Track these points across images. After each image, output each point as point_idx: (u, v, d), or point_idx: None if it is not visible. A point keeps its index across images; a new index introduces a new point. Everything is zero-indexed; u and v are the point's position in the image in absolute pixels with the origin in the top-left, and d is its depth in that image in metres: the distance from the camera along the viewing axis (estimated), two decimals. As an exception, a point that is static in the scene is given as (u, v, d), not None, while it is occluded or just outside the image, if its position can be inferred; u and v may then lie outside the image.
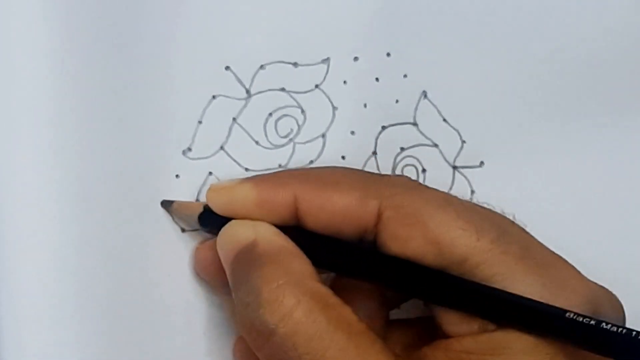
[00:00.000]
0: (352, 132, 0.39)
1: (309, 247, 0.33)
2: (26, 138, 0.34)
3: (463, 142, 0.40)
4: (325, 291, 0.32)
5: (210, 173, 0.37)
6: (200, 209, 0.36)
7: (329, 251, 0.34)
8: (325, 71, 0.38)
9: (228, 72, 0.37)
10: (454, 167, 0.40)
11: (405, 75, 0.39)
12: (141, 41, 0.35)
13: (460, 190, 0.40)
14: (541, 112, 0.40)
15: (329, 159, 0.39)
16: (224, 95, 0.37)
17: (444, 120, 0.40)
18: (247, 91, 0.37)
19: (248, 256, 0.33)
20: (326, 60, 0.38)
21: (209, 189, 0.35)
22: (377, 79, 0.39)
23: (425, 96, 0.39)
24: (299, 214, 0.34)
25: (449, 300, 0.32)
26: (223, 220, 0.35)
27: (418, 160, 0.40)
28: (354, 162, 0.39)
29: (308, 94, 0.38)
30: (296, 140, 0.38)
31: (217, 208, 0.35)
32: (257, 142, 0.38)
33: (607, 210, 0.41)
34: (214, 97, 0.37)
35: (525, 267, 0.32)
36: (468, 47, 0.39)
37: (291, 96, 0.38)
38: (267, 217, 0.34)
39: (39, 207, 0.34)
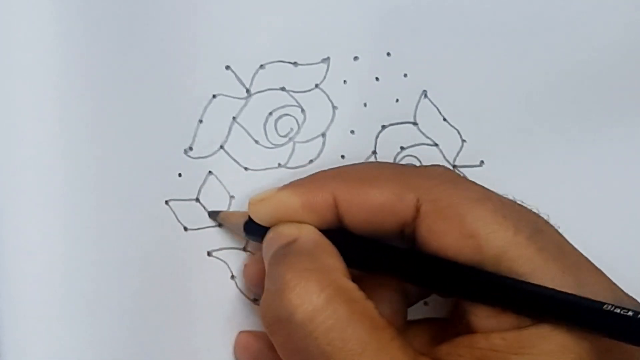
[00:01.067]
0: (352, 132, 0.39)
1: (347, 247, 0.34)
2: (28, 138, 0.34)
3: (463, 141, 0.40)
4: (350, 285, 0.32)
5: (210, 172, 0.37)
6: (245, 218, 0.36)
7: (364, 251, 0.34)
8: (325, 70, 0.39)
9: (228, 71, 0.37)
10: (454, 166, 0.40)
11: (405, 75, 0.39)
12: (142, 41, 0.36)
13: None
14: (541, 112, 0.40)
15: (329, 158, 0.39)
16: (224, 95, 0.37)
17: (444, 119, 0.40)
18: (247, 90, 0.38)
19: (285, 250, 0.33)
20: (326, 60, 0.39)
21: (250, 202, 0.35)
22: (377, 79, 0.39)
23: (426, 95, 0.40)
24: (340, 213, 0.34)
25: (485, 296, 0.32)
26: (267, 228, 0.35)
27: (418, 159, 0.40)
28: (354, 161, 0.39)
29: (308, 93, 0.39)
30: (296, 139, 0.39)
31: (261, 220, 0.35)
32: (256, 142, 0.38)
33: (607, 209, 0.41)
34: (214, 96, 0.37)
35: (561, 266, 0.32)
36: (468, 46, 0.40)
37: (291, 95, 0.38)
38: (309, 221, 0.34)
39: (41, 206, 0.34)
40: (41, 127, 0.34)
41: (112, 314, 0.35)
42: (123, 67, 0.35)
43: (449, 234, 0.32)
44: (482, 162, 0.40)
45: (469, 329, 0.33)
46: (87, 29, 0.35)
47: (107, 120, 0.35)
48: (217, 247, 0.38)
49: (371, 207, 0.34)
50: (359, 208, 0.34)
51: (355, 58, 0.39)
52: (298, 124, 0.39)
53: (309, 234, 0.34)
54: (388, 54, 0.39)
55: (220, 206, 0.38)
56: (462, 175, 0.36)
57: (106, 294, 0.35)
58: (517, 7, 0.40)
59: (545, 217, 0.34)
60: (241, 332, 0.38)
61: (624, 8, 0.40)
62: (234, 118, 0.38)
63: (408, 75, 0.40)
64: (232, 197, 0.38)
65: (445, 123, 0.40)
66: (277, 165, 0.38)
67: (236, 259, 0.38)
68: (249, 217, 0.36)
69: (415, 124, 0.40)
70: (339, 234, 0.34)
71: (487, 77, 0.40)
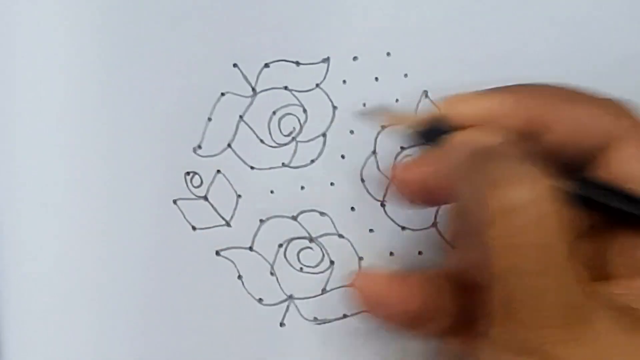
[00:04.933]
0: (352, 132, 0.40)
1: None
2: (36, 136, 0.35)
3: None
4: (556, 186, 0.31)
5: (219, 171, 0.39)
6: (418, 122, 0.36)
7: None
8: (325, 70, 0.40)
9: (235, 69, 0.39)
10: None
11: (405, 75, 0.41)
12: (151, 39, 0.37)
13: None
14: None
15: (329, 158, 0.40)
16: (232, 93, 0.39)
17: None
18: (253, 89, 0.39)
19: (487, 151, 0.32)
20: (326, 60, 0.40)
21: (446, 100, 0.35)
22: (376, 79, 0.41)
23: (427, 96, 0.41)
24: (543, 125, 0.34)
25: None
26: (446, 132, 0.35)
27: None
28: (354, 161, 0.40)
29: (309, 92, 0.40)
30: (298, 138, 0.40)
31: (458, 116, 0.35)
32: (261, 140, 0.39)
33: None
34: (222, 94, 0.38)
35: None
36: (470, 46, 0.41)
37: (293, 95, 0.40)
38: (511, 129, 0.34)
39: (48, 205, 0.35)
40: (49, 125, 0.35)
41: (118, 313, 0.36)
42: (132, 65, 0.36)
43: None
44: (484, 161, 0.42)
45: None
46: (96, 27, 0.35)
47: (116, 118, 0.36)
48: (225, 247, 0.39)
49: (581, 122, 0.34)
50: (568, 122, 0.34)
51: (355, 58, 0.40)
52: (300, 124, 0.40)
53: (510, 141, 0.33)
54: (388, 53, 0.40)
55: (228, 205, 0.39)
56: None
57: (113, 293, 0.36)
58: (518, 6, 0.41)
59: None
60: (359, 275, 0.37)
61: (626, 8, 0.42)
62: (240, 116, 0.39)
63: (409, 75, 0.41)
64: (239, 196, 0.39)
65: (446, 123, 0.42)
66: (281, 164, 0.40)
67: (244, 259, 0.39)
68: (427, 121, 0.35)
69: (415, 123, 0.41)
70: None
71: (488, 76, 0.40)
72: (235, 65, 0.38)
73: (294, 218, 0.39)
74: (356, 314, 0.40)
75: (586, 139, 0.34)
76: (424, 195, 0.36)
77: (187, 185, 0.38)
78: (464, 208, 0.32)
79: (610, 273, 0.33)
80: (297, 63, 0.39)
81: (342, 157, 0.41)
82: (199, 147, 0.38)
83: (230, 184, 0.39)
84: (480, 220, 0.31)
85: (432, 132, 0.35)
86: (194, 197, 0.38)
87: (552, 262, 0.30)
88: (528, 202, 0.30)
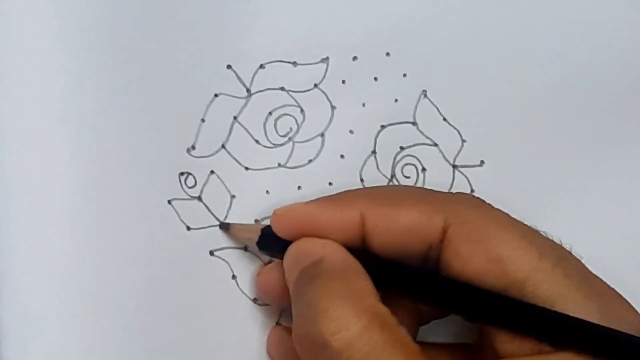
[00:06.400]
0: (351, 132, 0.41)
1: (372, 268, 0.34)
2: (31, 138, 0.36)
3: (463, 141, 0.42)
4: (384, 310, 0.32)
5: (212, 172, 0.39)
6: (259, 233, 0.37)
7: (391, 272, 0.35)
8: (324, 70, 0.40)
9: (229, 70, 0.39)
10: (454, 166, 0.42)
11: (404, 75, 0.41)
12: (145, 40, 0.37)
13: (460, 189, 0.41)
14: (542, 111, 0.42)
15: (328, 158, 0.41)
16: (226, 94, 0.39)
17: (444, 119, 0.41)
18: (248, 90, 0.40)
19: (312, 271, 0.34)
20: (325, 60, 0.40)
21: (273, 213, 0.37)
22: (375, 79, 0.41)
23: (425, 95, 0.41)
24: (365, 232, 0.35)
25: (506, 321, 0.33)
26: (284, 242, 0.36)
27: (418, 159, 0.41)
28: (354, 161, 0.41)
29: (307, 93, 0.40)
30: (295, 139, 0.40)
31: (283, 232, 0.36)
32: (257, 141, 0.40)
33: (608, 210, 0.42)
34: (216, 95, 0.39)
35: (586, 294, 0.33)
36: (468, 46, 0.41)
37: (290, 95, 0.40)
38: (334, 237, 0.35)
39: (44, 206, 0.36)
40: (43, 127, 0.36)
41: (114, 313, 0.37)
42: (126, 66, 0.37)
43: (475, 257, 0.34)
44: (482, 162, 0.42)
45: (493, 354, 0.34)
46: (90, 28, 0.36)
47: (110, 119, 0.37)
48: (219, 247, 0.39)
49: (399, 226, 0.35)
50: (386, 227, 0.35)
51: (354, 58, 0.41)
52: (297, 124, 0.40)
53: (335, 253, 0.35)
54: (387, 53, 0.41)
55: (222, 205, 0.39)
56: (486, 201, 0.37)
57: (108, 293, 0.37)
58: (517, 6, 0.41)
59: (568, 248, 0.35)
60: (274, 326, 0.39)
61: (627, 9, 0.42)
62: (234, 117, 0.39)
63: (407, 75, 0.41)
64: (233, 196, 0.39)
65: (445, 123, 0.41)
66: (277, 165, 0.40)
67: (238, 259, 0.39)
68: (262, 231, 0.37)
69: (414, 123, 0.41)
70: (362, 253, 0.35)
71: (487, 76, 0.41)
72: (229, 66, 0.39)
73: (290, 218, 0.40)
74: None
75: (410, 242, 0.35)
76: (278, 298, 0.37)
77: (181, 186, 0.38)
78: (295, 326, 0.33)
79: None
80: (294, 63, 0.40)
81: (341, 157, 0.41)
82: (193, 147, 0.39)
83: (224, 185, 0.39)
84: (300, 350, 0.32)
85: (268, 244, 0.37)
86: (188, 197, 0.39)
87: None
88: (354, 337, 0.31)
